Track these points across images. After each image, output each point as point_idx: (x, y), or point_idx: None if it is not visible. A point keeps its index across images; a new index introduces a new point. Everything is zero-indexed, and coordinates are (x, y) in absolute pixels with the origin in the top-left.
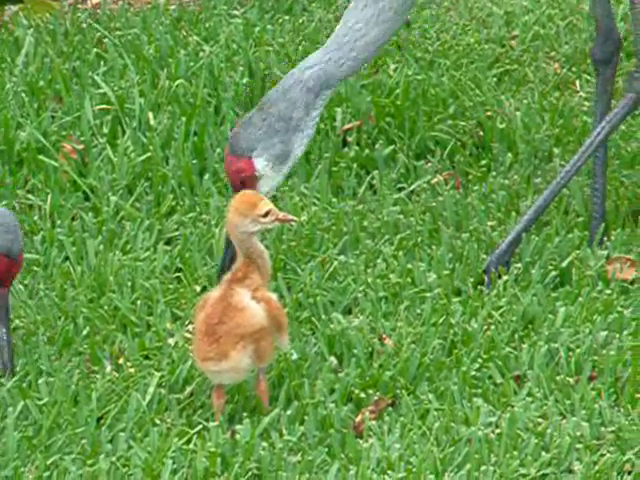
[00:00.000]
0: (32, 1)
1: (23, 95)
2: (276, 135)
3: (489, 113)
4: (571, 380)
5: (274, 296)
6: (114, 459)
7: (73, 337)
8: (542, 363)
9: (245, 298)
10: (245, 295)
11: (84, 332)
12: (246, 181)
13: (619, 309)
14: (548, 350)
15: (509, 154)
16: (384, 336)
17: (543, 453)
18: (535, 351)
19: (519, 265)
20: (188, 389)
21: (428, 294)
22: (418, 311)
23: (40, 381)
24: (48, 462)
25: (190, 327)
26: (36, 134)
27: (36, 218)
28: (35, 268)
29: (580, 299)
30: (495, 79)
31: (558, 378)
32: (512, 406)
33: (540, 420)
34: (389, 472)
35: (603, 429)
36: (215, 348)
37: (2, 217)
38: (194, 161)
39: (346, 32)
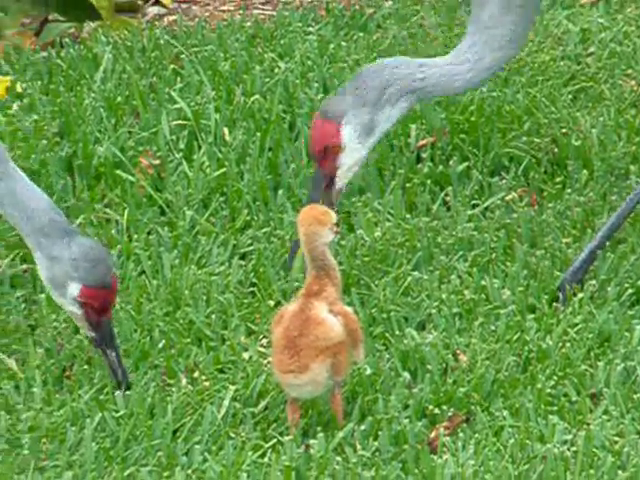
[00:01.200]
0: (110, 18)
1: (101, 110)
2: (365, 104)
3: (564, 130)
4: None
5: (350, 309)
6: (189, 472)
7: (149, 350)
8: (618, 381)
9: (323, 312)
10: (323, 309)
11: (160, 345)
12: (329, 150)
13: None
14: (624, 368)
15: (585, 171)
16: (458, 352)
17: (620, 472)
18: (611, 369)
19: (594, 282)
20: (262, 403)
21: (502, 311)
22: (492, 327)
23: (117, 393)
24: (125, 474)
25: (264, 341)
26: (113, 149)
27: (113, 232)
28: None
29: None
30: (571, 96)
31: (635, 396)
32: (588, 424)
33: (617, 438)
34: None
35: None
36: (296, 361)
37: (92, 250)
38: (268, 176)
39: (467, 50)
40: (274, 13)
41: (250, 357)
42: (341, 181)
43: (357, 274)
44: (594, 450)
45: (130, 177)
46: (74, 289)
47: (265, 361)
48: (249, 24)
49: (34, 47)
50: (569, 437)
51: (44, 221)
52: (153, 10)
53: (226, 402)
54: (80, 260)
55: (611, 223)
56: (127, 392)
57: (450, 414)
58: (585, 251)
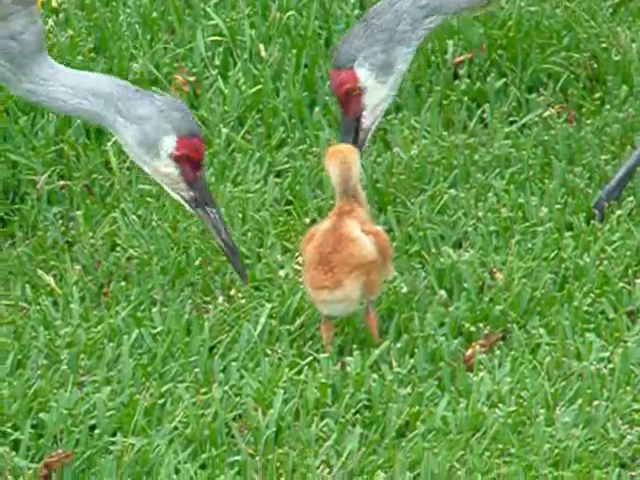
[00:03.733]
0: None
1: (136, 27)
2: (377, 44)
3: (604, 45)
4: None
5: (380, 228)
6: (226, 388)
7: (185, 268)
8: None
9: (355, 230)
10: (355, 227)
11: (196, 263)
12: (351, 93)
13: None
14: None
15: (624, 87)
16: (495, 270)
17: None
18: None
19: (632, 199)
20: (298, 321)
21: (539, 228)
22: (529, 245)
23: (154, 310)
24: (162, 389)
25: (300, 259)
26: (149, 65)
27: None
28: (148, 199)
29: None
30: (610, 10)
31: None
32: (625, 341)
33: None
34: (500, 405)
35: None
36: (330, 277)
37: (176, 102)
38: (304, 94)
39: None
40: None
41: (286, 275)
42: (368, 120)
43: (393, 192)
44: (631, 367)
45: (165, 94)
46: (170, 143)
47: (301, 279)
48: None
49: None
50: (606, 354)
51: (112, 88)
52: None
53: (262, 319)
54: (169, 111)
55: None
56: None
57: (486, 332)
58: (622, 169)
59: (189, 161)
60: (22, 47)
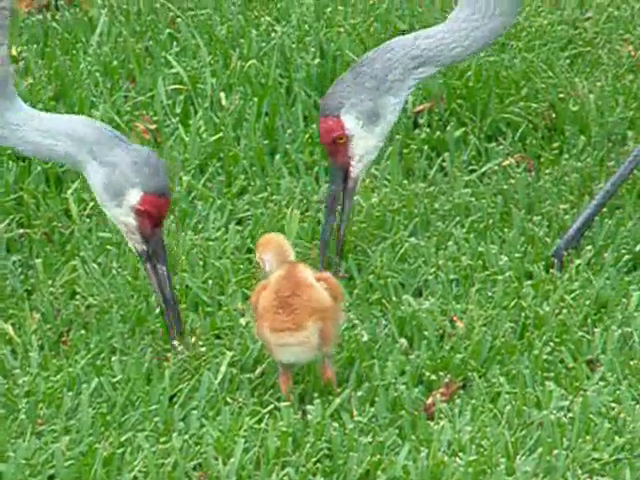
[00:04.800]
0: None
1: (97, 74)
2: (364, 92)
3: (562, 95)
4: None
5: (329, 274)
6: (187, 437)
7: (145, 316)
8: (615, 347)
9: (310, 276)
10: (310, 274)
11: (156, 311)
12: (338, 141)
13: None
14: (621, 334)
15: (582, 137)
16: (455, 318)
17: (616, 438)
18: (608, 335)
19: (590, 248)
20: (259, 369)
21: (499, 277)
22: (489, 294)
23: (113, 359)
24: (122, 439)
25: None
26: (110, 113)
27: None
28: (108, 247)
29: None
30: (568, 61)
31: (632, 363)
32: (585, 390)
33: (613, 405)
34: (460, 454)
35: None
36: (292, 319)
37: (152, 156)
38: (265, 142)
39: (465, 19)
40: None
41: (247, 323)
42: (356, 169)
43: (354, 240)
44: (590, 416)
45: None
46: (134, 196)
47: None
48: None
49: (29, 10)
50: (566, 403)
51: (87, 131)
52: None
53: (223, 368)
54: (141, 165)
55: (606, 190)
56: (179, 333)
57: (447, 380)
58: (580, 218)
59: (149, 217)
60: None
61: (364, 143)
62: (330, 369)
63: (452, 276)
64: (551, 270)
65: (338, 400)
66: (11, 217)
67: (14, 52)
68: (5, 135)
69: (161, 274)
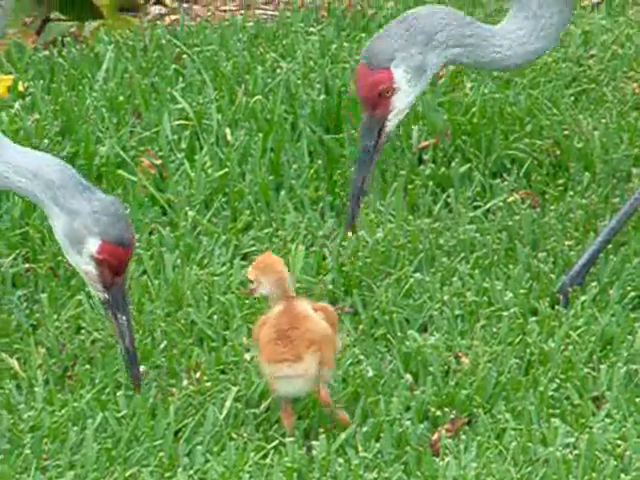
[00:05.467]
0: (112, 17)
1: (103, 110)
2: (415, 46)
3: (566, 132)
4: None
5: (326, 304)
6: (191, 472)
7: (151, 350)
8: (621, 384)
9: (308, 308)
10: (307, 305)
11: (161, 346)
12: (384, 95)
13: None
14: (627, 371)
15: (587, 173)
16: (460, 354)
17: (622, 475)
18: (614, 372)
19: (595, 284)
20: (264, 404)
21: (504, 313)
22: (494, 330)
23: (119, 394)
24: (127, 474)
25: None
26: (116, 148)
27: None
28: None
29: None
30: (572, 98)
31: (637, 400)
32: (590, 427)
33: (619, 442)
34: None
35: None
36: (290, 350)
37: (113, 205)
38: (270, 177)
39: (512, 31)
40: (276, 13)
41: (252, 358)
42: (391, 124)
43: (359, 275)
44: (596, 453)
45: (132, 177)
46: (92, 245)
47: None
48: (251, 24)
49: (35, 46)
50: (571, 440)
51: (54, 174)
52: (155, 9)
53: (228, 403)
54: (101, 214)
55: (612, 227)
56: (132, 362)
57: (452, 416)
58: (585, 254)
59: (109, 266)
60: None
61: (405, 98)
62: (325, 393)
63: (457, 312)
64: (556, 306)
65: (343, 435)
66: (17, 252)
67: (21, 87)
68: None
69: (121, 323)
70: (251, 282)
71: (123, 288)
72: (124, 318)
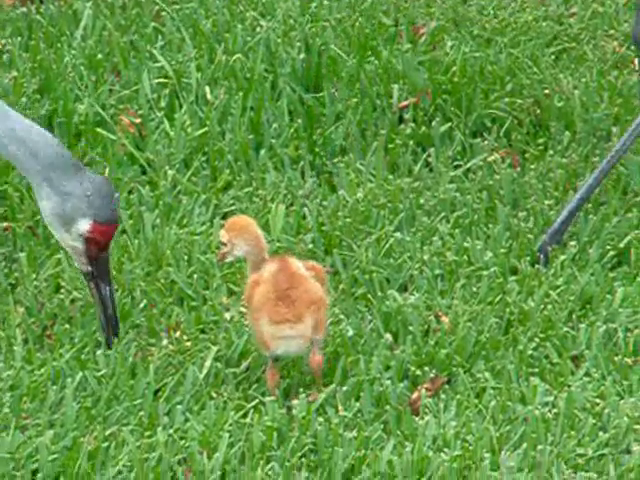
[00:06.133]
0: None
1: (81, 68)
2: None
3: (547, 91)
4: (629, 360)
5: (313, 262)
6: (171, 431)
7: (130, 310)
8: (600, 343)
9: (302, 268)
10: (300, 265)
11: (141, 305)
12: None
13: None
14: (606, 330)
15: (567, 132)
16: (440, 314)
17: (600, 433)
18: (593, 331)
19: (575, 243)
20: (244, 364)
21: (484, 272)
22: (474, 289)
23: (98, 353)
24: (106, 433)
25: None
26: (95, 107)
27: None
28: None
29: (639, 279)
30: (553, 57)
31: (616, 358)
32: (569, 386)
33: (598, 400)
34: (445, 449)
35: None
36: (292, 310)
37: (105, 186)
38: (250, 136)
39: None
40: None
41: (232, 317)
42: None
43: (339, 235)
44: (575, 412)
45: (111, 135)
46: (83, 225)
47: (247, 322)
48: None
49: (13, 3)
50: (550, 399)
51: (51, 155)
52: None
53: (208, 362)
54: (94, 197)
55: (589, 184)
56: (114, 338)
57: (432, 375)
58: (564, 212)
59: (96, 243)
60: None
61: None
62: (319, 358)
63: (437, 271)
64: (536, 265)
65: (323, 395)
66: None
67: None
68: None
69: (104, 294)
70: (224, 245)
71: (107, 260)
72: (107, 288)
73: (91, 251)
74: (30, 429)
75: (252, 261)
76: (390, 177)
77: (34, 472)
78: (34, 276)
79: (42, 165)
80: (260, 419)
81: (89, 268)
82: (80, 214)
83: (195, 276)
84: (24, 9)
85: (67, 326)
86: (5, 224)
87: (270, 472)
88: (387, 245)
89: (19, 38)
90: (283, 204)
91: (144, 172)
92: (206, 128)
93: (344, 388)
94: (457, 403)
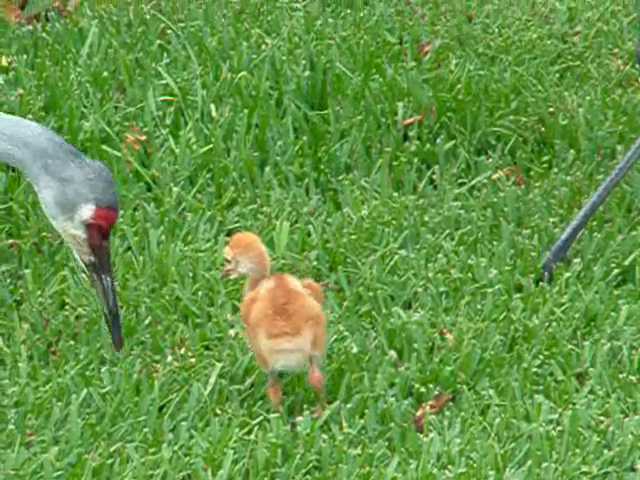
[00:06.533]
0: None
1: (87, 85)
2: None
3: (551, 109)
4: (634, 378)
5: (311, 280)
6: (176, 448)
7: (135, 326)
8: (604, 361)
9: (299, 285)
10: (297, 282)
11: (146, 322)
12: None
13: None
14: (610, 348)
15: (571, 150)
16: (445, 331)
17: (605, 451)
18: (597, 349)
19: (579, 261)
20: (248, 380)
21: (489, 290)
22: (479, 306)
23: (103, 369)
24: (111, 449)
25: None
26: (100, 124)
27: None
28: None
29: None
30: (557, 75)
31: (620, 376)
32: (574, 403)
33: (602, 418)
34: (449, 467)
35: None
36: (290, 324)
37: (104, 170)
38: (255, 153)
39: None
40: None
41: (236, 334)
42: None
43: (344, 252)
44: (580, 429)
45: (116, 152)
46: (86, 211)
47: (246, 340)
48: (236, 0)
49: (19, 21)
50: (555, 416)
51: (45, 143)
52: None
53: (212, 379)
54: (95, 181)
55: (593, 201)
56: (118, 324)
57: (436, 393)
58: (567, 229)
59: (99, 229)
60: None
61: None
62: (319, 376)
63: (442, 288)
64: (540, 283)
65: (327, 412)
66: (0, 227)
67: (4, 62)
68: None
69: (106, 285)
70: (228, 262)
71: (108, 250)
72: (108, 279)
73: (93, 239)
74: (35, 445)
75: (254, 278)
76: (395, 194)
77: None
78: (39, 293)
79: (36, 155)
80: (264, 436)
81: (91, 258)
82: (82, 199)
83: (200, 293)
84: (30, 27)
85: (72, 342)
86: (10, 241)
87: None
88: (392, 262)
89: (25, 56)
90: (288, 221)
91: (149, 189)
92: (211, 145)
93: (348, 405)
94: (461, 420)
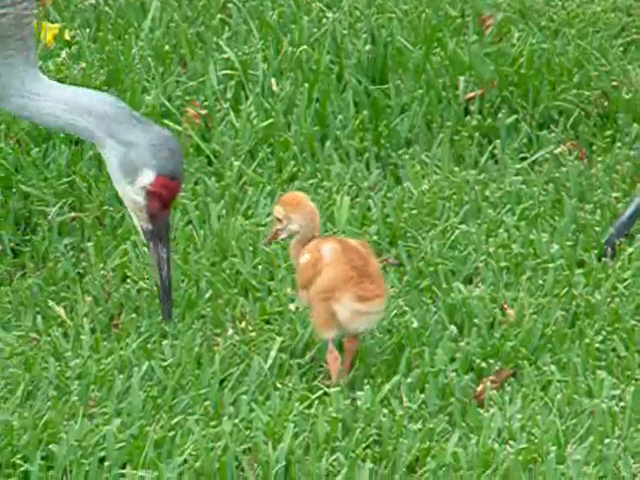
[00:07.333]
0: None
1: (149, 59)
2: None
3: (615, 83)
4: None
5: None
6: (237, 421)
7: (196, 300)
8: None
9: (360, 246)
10: (354, 242)
11: (206, 295)
12: None
13: None
14: None
15: (635, 125)
16: (505, 306)
17: None
18: None
19: None
20: (309, 354)
21: (550, 265)
22: (540, 282)
23: (164, 342)
24: (172, 422)
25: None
26: (161, 98)
27: None
28: None
29: None
30: (621, 49)
31: None
32: (636, 379)
33: None
34: (510, 442)
35: None
36: (377, 286)
37: (170, 139)
38: (316, 128)
39: None
40: None
41: (297, 308)
42: None
43: (404, 227)
44: None
45: (177, 127)
46: (147, 177)
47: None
48: None
49: None
50: (617, 392)
51: (108, 108)
52: None
53: (273, 353)
54: (158, 147)
55: None
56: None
57: (497, 368)
58: (632, 205)
59: (159, 199)
60: (14, 60)
61: None
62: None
63: (503, 264)
64: (603, 258)
65: (388, 386)
66: (63, 201)
67: (67, 36)
68: (24, 104)
69: (162, 256)
70: (279, 221)
71: (168, 221)
72: (165, 250)
73: (153, 207)
74: (97, 417)
75: (304, 237)
76: (456, 169)
77: (101, 460)
78: (101, 266)
79: (100, 120)
80: (325, 410)
81: (149, 226)
82: (144, 164)
83: (260, 267)
84: (93, 1)
85: (134, 316)
86: (73, 214)
87: (335, 463)
88: (452, 237)
89: (87, 30)
90: (348, 196)
91: (210, 163)
92: (272, 120)
93: (409, 380)
94: (523, 396)
